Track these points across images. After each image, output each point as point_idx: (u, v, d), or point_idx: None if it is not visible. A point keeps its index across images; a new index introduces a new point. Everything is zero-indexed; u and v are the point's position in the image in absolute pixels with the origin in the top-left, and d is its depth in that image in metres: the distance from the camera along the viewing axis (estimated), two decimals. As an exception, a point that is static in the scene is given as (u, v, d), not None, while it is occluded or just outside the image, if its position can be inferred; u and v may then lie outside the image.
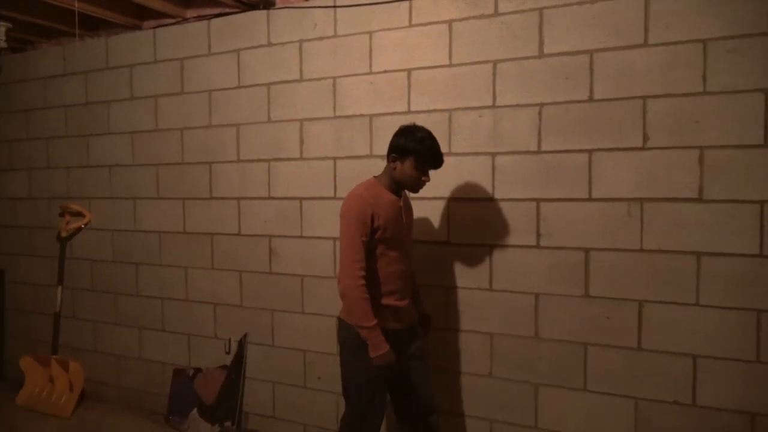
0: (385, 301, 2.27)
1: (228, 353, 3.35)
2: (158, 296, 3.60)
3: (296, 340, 3.16)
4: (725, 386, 2.27)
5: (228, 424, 3.26)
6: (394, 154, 2.28)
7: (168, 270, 3.55)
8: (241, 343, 3.31)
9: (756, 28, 2.16)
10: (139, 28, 3.61)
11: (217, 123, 3.32)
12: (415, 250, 2.58)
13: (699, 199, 2.28)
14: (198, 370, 3.45)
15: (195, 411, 3.39)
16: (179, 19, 3.43)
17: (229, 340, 3.36)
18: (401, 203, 2.34)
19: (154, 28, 3.53)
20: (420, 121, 2.76)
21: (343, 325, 2.33)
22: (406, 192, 2.44)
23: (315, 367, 3.12)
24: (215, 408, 3.34)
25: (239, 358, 3.30)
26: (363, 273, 2.18)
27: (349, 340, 2.28)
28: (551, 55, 2.50)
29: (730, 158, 2.22)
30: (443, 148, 2.72)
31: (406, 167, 2.26)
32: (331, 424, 3.08)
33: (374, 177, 2.38)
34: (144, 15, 3.56)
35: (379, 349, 2.17)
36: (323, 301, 3.06)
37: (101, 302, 3.82)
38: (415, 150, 2.23)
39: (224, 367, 3.35)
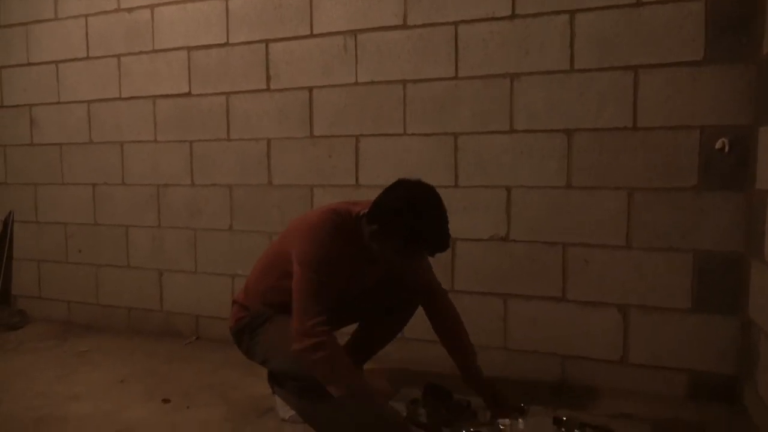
0: None
1: (-7, 234, 3.18)
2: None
3: (58, 214, 3.02)
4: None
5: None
6: (375, 226, 1.60)
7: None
8: (6, 222, 3.14)
9: None
10: None
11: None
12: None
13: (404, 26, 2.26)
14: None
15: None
16: None
17: (-6, 220, 3.18)
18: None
19: None
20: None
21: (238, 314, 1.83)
22: None
23: (75, 240, 2.99)
24: (-21, 292, 3.16)
25: (4, 237, 3.13)
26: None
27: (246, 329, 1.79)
28: None
29: (428, -18, 2.21)
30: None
31: (386, 247, 1.62)
32: (91, 299, 2.97)
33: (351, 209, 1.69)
34: None
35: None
36: (81, 171, 2.93)
37: None
38: (412, 240, 1.56)
39: (-10, 249, 3.18)
